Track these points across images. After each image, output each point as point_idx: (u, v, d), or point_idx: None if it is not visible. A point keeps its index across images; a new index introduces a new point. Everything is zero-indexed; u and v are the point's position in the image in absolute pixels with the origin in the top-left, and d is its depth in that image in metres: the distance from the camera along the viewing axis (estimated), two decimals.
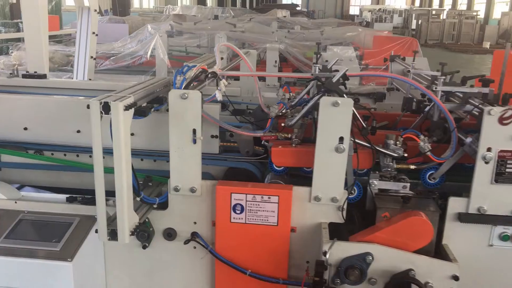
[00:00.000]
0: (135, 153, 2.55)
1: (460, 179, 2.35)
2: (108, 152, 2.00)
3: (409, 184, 2.28)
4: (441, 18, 34.65)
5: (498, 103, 2.16)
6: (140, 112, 2.11)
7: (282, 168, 2.44)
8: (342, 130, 2.11)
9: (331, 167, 2.17)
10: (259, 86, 2.80)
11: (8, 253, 2.24)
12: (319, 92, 2.26)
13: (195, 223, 2.37)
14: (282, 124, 2.47)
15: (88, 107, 1.93)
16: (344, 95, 2.17)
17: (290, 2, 47.49)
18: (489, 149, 2.07)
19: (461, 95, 2.42)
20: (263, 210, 2.25)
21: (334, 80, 2.23)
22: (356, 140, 2.21)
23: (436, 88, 2.39)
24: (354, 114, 2.13)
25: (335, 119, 2.10)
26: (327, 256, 2.04)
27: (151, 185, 2.53)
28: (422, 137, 2.27)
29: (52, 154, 2.82)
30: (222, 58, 3.44)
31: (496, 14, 34.46)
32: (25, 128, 2.79)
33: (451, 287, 2.04)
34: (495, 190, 2.12)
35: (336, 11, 58.72)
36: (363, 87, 4.67)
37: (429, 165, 2.31)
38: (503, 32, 30.22)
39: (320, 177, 2.20)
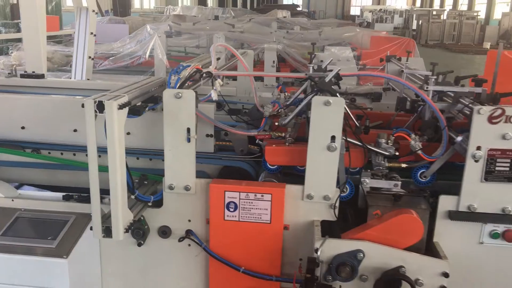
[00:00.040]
0: (131, 152, 2.59)
1: (451, 177, 2.37)
2: (104, 150, 2.02)
3: (400, 182, 2.30)
4: (442, 18, 34.65)
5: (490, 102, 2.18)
6: (134, 111, 2.14)
7: (276, 166, 2.47)
8: (334, 129, 2.14)
9: (323, 166, 2.20)
10: (254, 86, 2.83)
11: (4, 250, 2.27)
12: (312, 92, 2.29)
13: (189, 221, 2.40)
14: (276, 123, 2.50)
15: (83, 106, 1.96)
16: (337, 94, 2.20)
17: (291, 3, 47.52)
18: (478, 148, 2.09)
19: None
20: (256, 208, 2.28)
21: (327, 79, 2.26)
22: (348, 139, 2.24)
23: (427, 87, 2.41)
24: (347, 113, 2.15)
25: (327, 118, 2.13)
26: (319, 253, 2.06)
27: (147, 183, 2.57)
28: (413, 136, 2.30)
29: (49, 153, 2.84)
30: (219, 58, 3.48)
31: (497, 15, 34.44)
32: (23, 127, 2.81)
33: (441, 284, 2.07)
34: (485, 188, 2.14)
35: (337, 11, 58.78)
36: (361, 87, 4.70)
37: (420, 163, 2.34)
38: (504, 33, 30.22)
39: (313, 175, 2.23)
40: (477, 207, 2.18)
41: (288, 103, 2.56)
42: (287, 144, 2.43)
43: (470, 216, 2.19)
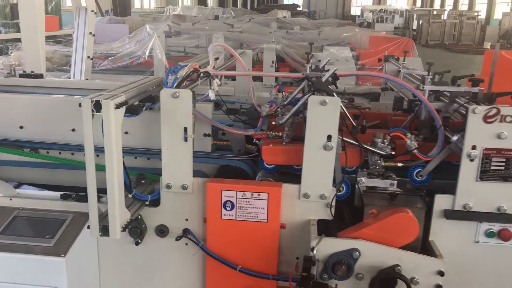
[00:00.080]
0: (129, 151, 2.60)
1: (447, 176, 2.38)
2: (101, 150, 2.04)
3: (396, 181, 2.32)
4: (442, 18, 34.64)
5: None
6: (131, 111, 2.15)
7: (273, 166, 2.48)
8: (330, 128, 2.15)
9: (319, 165, 2.21)
10: (252, 86, 2.84)
11: (2, 249, 2.28)
12: (309, 91, 2.30)
13: (186, 220, 2.41)
14: (273, 123, 2.51)
15: (80, 105, 1.97)
16: (334, 94, 2.21)
17: (291, 3, 47.51)
18: (474, 147, 2.10)
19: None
20: (253, 207, 2.29)
21: (323, 79, 2.27)
22: (344, 138, 2.25)
23: (423, 87, 2.42)
24: (344, 113, 2.16)
25: (323, 117, 2.14)
26: (315, 251, 2.07)
27: (144, 182, 2.57)
28: (409, 135, 2.30)
29: (48, 152, 2.85)
30: (217, 58, 3.49)
31: (497, 15, 34.43)
32: (21, 127, 2.82)
33: (436, 283, 2.08)
34: (480, 188, 2.15)
35: (337, 11, 58.78)
36: (360, 87, 4.71)
37: (416, 163, 2.35)
38: (504, 33, 30.19)
39: (309, 174, 2.24)
40: (472, 206, 2.19)
41: (285, 103, 2.57)
42: (284, 143, 2.44)
43: (466, 215, 2.20)
